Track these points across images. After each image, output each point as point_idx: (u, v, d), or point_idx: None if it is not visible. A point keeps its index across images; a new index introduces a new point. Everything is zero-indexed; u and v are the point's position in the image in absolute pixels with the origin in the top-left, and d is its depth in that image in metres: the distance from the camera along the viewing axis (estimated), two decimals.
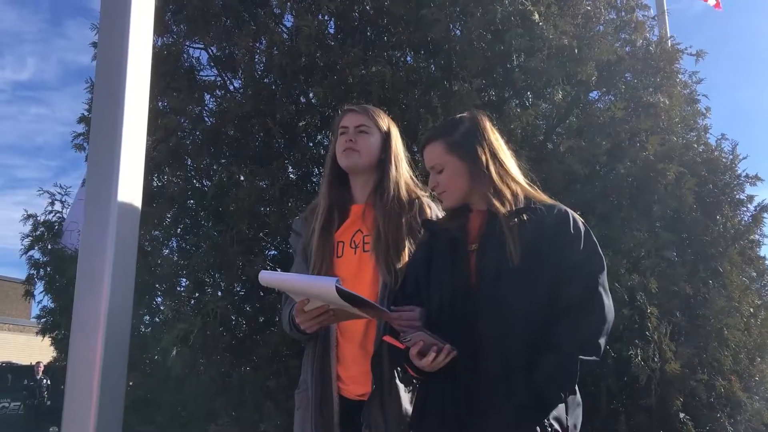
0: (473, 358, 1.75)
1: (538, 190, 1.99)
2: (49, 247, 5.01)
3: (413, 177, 2.35)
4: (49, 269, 5.01)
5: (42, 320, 5.09)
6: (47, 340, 5.19)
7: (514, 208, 1.86)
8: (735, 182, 4.46)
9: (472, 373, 1.75)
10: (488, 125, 2.01)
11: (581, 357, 1.71)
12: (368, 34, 4.16)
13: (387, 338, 1.83)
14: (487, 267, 1.82)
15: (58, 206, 5.12)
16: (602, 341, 1.76)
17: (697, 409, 3.65)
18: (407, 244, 2.18)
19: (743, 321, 3.98)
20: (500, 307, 1.77)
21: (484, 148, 1.95)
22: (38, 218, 5.05)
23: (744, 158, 4.52)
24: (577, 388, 1.82)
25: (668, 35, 5.77)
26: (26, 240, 5.02)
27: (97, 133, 2.57)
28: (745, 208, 4.53)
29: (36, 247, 5.01)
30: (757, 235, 4.55)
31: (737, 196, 4.50)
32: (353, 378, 2.13)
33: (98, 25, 3.39)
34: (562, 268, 1.79)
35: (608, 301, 1.80)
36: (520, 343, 1.75)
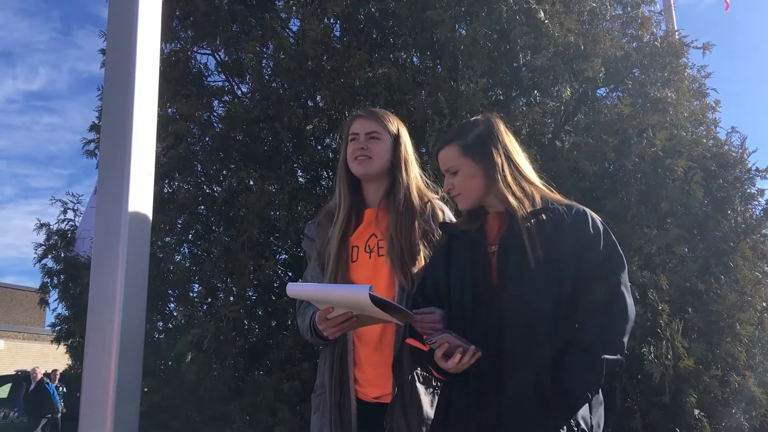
0: (498, 359, 1.76)
1: (554, 191, 2.01)
2: (63, 255, 5.05)
3: (425, 180, 2.36)
4: (62, 277, 5.05)
5: (57, 328, 5.12)
6: (62, 348, 5.23)
7: (530, 209, 1.88)
8: (745, 176, 4.43)
9: (497, 375, 1.76)
10: (502, 128, 2.03)
11: (606, 357, 1.73)
12: (374, 36, 4.17)
13: (410, 341, 1.85)
14: (508, 268, 1.84)
15: (70, 215, 5.17)
16: (626, 339, 1.79)
17: (712, 405, 3.63)
18: (421, 247, 2.19)
19: (756, 316, 3.96)
20: (523, 308, 1.79)
21: (499, 150, 1.97)
22: (51, 227, 5.10)
23: (754, 152, 4.48)
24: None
25: (675, 29, 5.75)
26: (40, 249, 5.06)
27: (107, 140, 2.60)
28: (756, 202, 4.50)
29: (49, 256, 5.05)
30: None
31: (748, 190, 4.46)
32: (369, 381, 2.15)
33: (106, 33, 3.43)
34: (583, 268, 1.82)
35: (630, 300, 1.83)
36: (545, 342, 1.76)
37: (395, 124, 2.30)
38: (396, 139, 2.28)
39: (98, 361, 2.37)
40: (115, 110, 2.59)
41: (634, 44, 4.75)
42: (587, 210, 1.92)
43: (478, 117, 2.10)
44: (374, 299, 1.74)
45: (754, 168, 4.44)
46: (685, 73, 4.87)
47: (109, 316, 2.38)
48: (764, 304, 4.08)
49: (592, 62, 4.05)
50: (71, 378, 5.63)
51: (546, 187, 2.02)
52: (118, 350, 2.35)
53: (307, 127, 4.23)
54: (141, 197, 2.54)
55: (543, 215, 1.87)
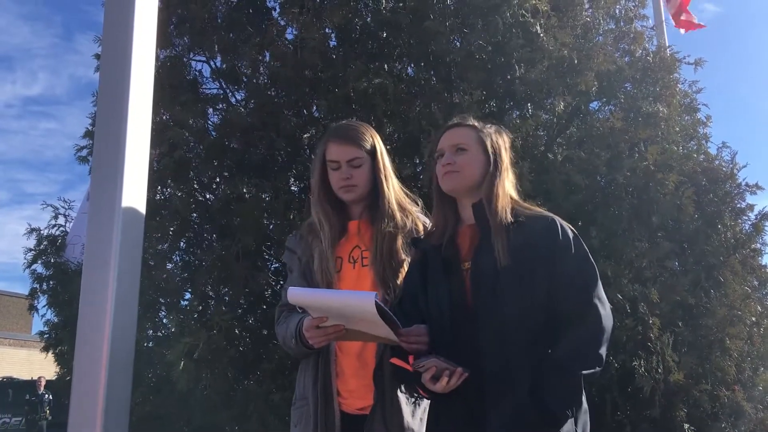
0: (480, 381, 1.77)
1: (529, 203, 2.02)
2: (52, 261, 5.02)
3: (404, 191, 2.35)
4: (52, 283, 5.01)
5: (45, 336, 5.08)
6: (48, 355, 5.18)
7: (502, 220, 1.88)
8: (735, 191, 4.47)
9: (480, 399, 1.77)
10: (508, 140, 2.07)
11: (584, 372, 1.73)
12: (369, 46, 4.17)
13: (394, 361, 1.84)
14: (482, 286, 1.84)
15: (61, 220, 5.15)
16: (603, 351, 1.78)
17: (701, 419, 3.65)
18: (404, 259, 2.19)
19: (746, 330, 3.98)
20: (498, 325, 1.79)
21: (506, 157, 2.00)
22: (42, 232, 5.07)
23: (744, 167, 4.53)
24: (583, 396, 1.83)
25: (666, 45, 5.81)
26: (30, 254, 5.03)
27: (100, 146, 2.58)
28: (746, 217, 4.54)
29: (39, 261, 5.02)
30: (758, 244, 4.55)
31: (738, 205, 4.51)
32: (352, 392, 2.14)
33: (101, 38, 3.41)
34: (554, 279, 1.81)
35: (604, 311, 1.81)
36: (520, 355, 1.77)
37: (369, 139, 2.27)
38: (372, 154, 2.28)
39: (88, 370, 2.34)
40: (109, 116, 2.57)
41: (627, 59, 4.79)
42: (557, 218, 1.92)
43: (492, 125, 2.12)
44: (379, 307, 1.74)
45: (744, 183, 4.50)
46: (677, 88, 4.92)
47: (100, 324, 2.36)
48: (754, 319, 4.11)
49: (586, 76, 4.08)
50: (60, 386, 5.58)
51: (521, 199, 2.03)
52: (108, 359, 2.33)
53: (304, 136, 4.22)
54: (134, 204, 2.52)
55: (512, 226, 1.88)
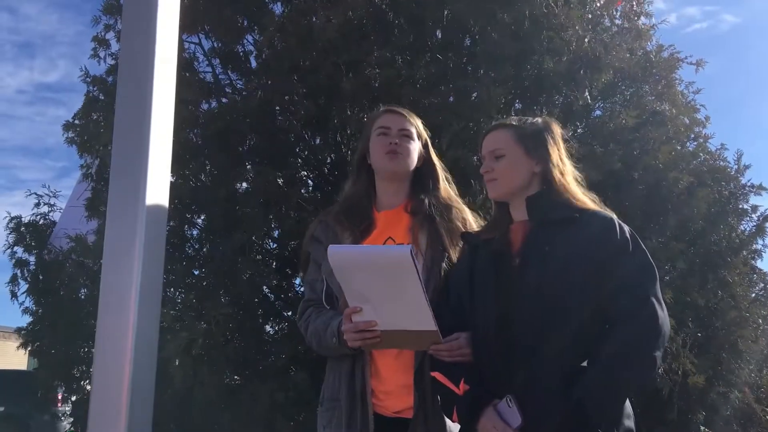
0: (516, 374, 1.67)
1: (588, 198, 1.91)
2: (33, 243, 4.82)
3: (451, 186, 2.27)
4: (32, 268, 4.82)
5: (23, 332, 4.89)
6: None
7: (553, 217, 1.78)
8: (739, 192, 4.50)
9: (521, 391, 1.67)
10: (560, 131, 1.94)
11: (626, 372, 1.64)
12: (396, 35, 4.02)
13: (436, 375, 1.78)
14: (529, 286, 1.74)
15: (45, 209, 4.98)
16: (657, 354, 1.65)
17: (714, 421, 3.65)
18: (451, 252, 2.10)
19: (754, 332, 4.00)
20: (538, 325, 1.69)
21: (555, 150, 1.88)
22: (22, 219, 4.87)
23: (748, 167, 4.56)
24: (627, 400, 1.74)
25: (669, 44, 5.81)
26: (11, 236, 4.83)
27: (121, 135, 2.38)
28: (748, 218, 4.58)
29: (19, 246, 4.84)
30: (759, 245, 4.58)
31: (741, 206, 4.54)
32: (389, 393, 2.03)
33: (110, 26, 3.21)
34: (610, 279, 1.71)
35: (661, 312, 1.69)
36: (568, 362, 1.67)
37: (421, 126, 2.21)
38: (426, 143, 2.20)
39: (110, 370, 2.17)
40: (130, 102, 2.36)
41: (631, 56, 4.77)
42: (614, 217, 1.80)
43: (538, 118, 2.01)
44: (414, 263, 1.65)
45: (748, 184, 4.52)
46: (678, 88, 4.93)
47: (124, 322, 2.18)
48: (760, 321, 4.13)
49: (601, 73, 4.03)
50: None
51: (584, 194, 1.93)
52: (132, 358, 2.16)
53: (305, 131, 4.07)
54: (158, 196, 2.34)
55: (566, 224, 1.77)
